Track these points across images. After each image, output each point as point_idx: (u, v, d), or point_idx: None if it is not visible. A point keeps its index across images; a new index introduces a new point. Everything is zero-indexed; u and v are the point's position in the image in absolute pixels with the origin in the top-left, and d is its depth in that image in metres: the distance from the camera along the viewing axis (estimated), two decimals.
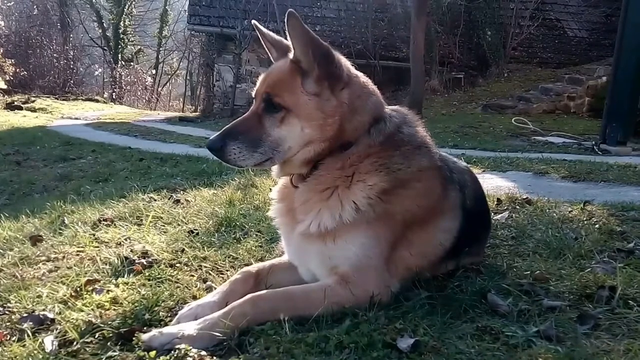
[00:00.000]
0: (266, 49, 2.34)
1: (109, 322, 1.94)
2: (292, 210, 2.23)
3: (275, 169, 2.26)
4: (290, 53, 2.13)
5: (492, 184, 4.82)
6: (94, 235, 3.13)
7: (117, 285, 2.31)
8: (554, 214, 3.49)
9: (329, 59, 2.08)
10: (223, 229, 3.30)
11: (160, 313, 2.07)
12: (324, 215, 2.09)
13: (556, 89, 16.52)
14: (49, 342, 1.82)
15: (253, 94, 2.21)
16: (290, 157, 2.12)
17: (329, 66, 2.08)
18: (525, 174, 5.72)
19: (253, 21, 2.26)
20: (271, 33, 2.34)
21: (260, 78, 2.22)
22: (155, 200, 4.16)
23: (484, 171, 5.79)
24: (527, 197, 3.98)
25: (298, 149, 2.10)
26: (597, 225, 3.16)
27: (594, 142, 9.06)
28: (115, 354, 1.75)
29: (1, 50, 24.70)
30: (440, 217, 2.27)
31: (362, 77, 2.24)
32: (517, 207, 3.77)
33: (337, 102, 2.09)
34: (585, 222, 3.29)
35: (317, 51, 2.05)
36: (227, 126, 2.14)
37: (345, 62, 2.19)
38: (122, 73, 35.86)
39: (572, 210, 3.58)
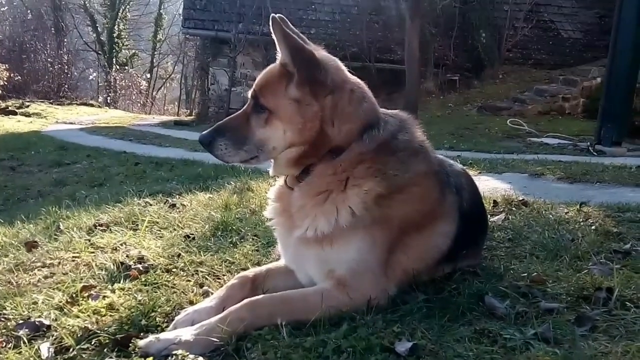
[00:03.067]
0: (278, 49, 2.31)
1: (105, 328, 1.93)
2: (288, 211, 2.23)
3: (270, 167, 2.28)
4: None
5: (488, 185, 4.83)
6: (89, 240, 3.11)
7: (113, 291, 2.30)
8: (550, 216, 3.49)
9: (311, 64, 2.07)
10: (219, 233, 3.29)
11: (157, 319, 2.06)
12: (320, 221, 2.08)
13: (551, 90, 16.60)
14: (45, 349, 1.81)
15: (249, 94, 2.23)
16: (276, 156, 2.16)
17: (312, 71, 2.07)
18: (521, 175, 5.73)
19: (276, 15, 2.23)
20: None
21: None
22: (150, 204, 4.14)
23: (479, 173, 5.80)
24: (523, 199, 3.98)
25: (282, 150, 2.13)
26: (593, 227, 3.16)
27: (589, 143, 9.09)
28: None
29: None
30: (438, 220, 2.26)
31: (356, 83, 2.22)
32: (514, 208, 3.77)
33: (318, 107, 2.08)
34: (582, 223, 3.30)
35: (299, 56, 2.06)
36: (219, 122, 2.23)
37: (337, 68, 2.18)
38: (117, 77, 35.86)
39: (568, 212, 3.59)
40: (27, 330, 1.94)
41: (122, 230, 3.34)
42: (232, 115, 2.23)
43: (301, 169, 2.17)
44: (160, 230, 3.37)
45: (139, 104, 37.52)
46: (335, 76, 2.13)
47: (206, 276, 2.57)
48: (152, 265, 2.67)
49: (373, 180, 2.10)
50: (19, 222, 3.87)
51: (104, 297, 2.23)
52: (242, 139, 2.12)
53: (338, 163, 2.12)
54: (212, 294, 2.24)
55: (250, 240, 3.16)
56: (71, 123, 19.14)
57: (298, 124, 2.07)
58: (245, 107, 2.20)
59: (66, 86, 29.98)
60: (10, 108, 20.63)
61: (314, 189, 2.14)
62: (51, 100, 25.77)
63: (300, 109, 2.07)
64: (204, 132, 2.18)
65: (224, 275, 2.61)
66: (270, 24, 2.05)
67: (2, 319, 2.06)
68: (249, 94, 2.20)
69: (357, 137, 2.13)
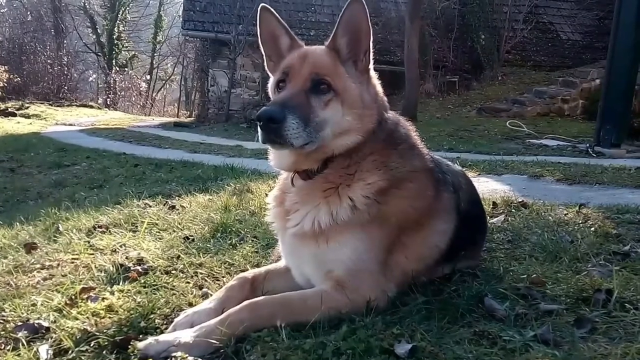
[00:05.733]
0: (276, 35, 2.25)
1: (105, 331, 1.93)
2: (288, 213, 2.21)
3: (282, 160, 2.18)
4: (327, 40, 2.14)
5: (488, 187, 4.83)
6: (88, 242, 3.11)
7: (112, 293, 2.29)
8: (550, 217, 3.49)
9: (369, 53, 2.12)
10: (219, 234, 3.29)
11: (156, 321, 2.05)
12: (321, 210, 2.07)
13: (550, 91, 16.61)
14: (44, 351, 1.81)
15: (279, 76, 2.14)
16: (324, 144, 2.05)
17: (368, 60, 2.13)
18: (520, 177, 5.74)
19: (262, 4, 2.24)
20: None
21: (296, 58, 2.14)
22: (150, 206, 4.14)
23: (479, 174, 5.80)
24: (522, 201, 3.99)
25: (332, 138, 2.05)
26: (592, 228, 3.16)
27: (588, 145, 9.08)
28: None
29: None
30: (435, 218, 2.25)
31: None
32: (513, 210, 3.78)
33: (370, 96, 2.14)
34: (581, 225, 3.30)
35: (369, 42, 2.10)
36: (278, 97, 2.03)
37: None
38: (117, 79, 35.90)
39: (567, 213, 3.59)
40: (26, 332, 1.93)
41: (122, 231, 3.34)
42: (287, 92, 2.04)
43: (322, 163, 2.12)
44: (159, 232, 3.37)
45: (138, 106, 37.58)
46: None
47: (205, 278, 2.57)
48: (151, 267, 2.67)
49: (377, 173, 2.11)
50: (18, 223, 3.87)
51: (103, 299, 2.22)
52: (307, 119, 1.94)
53: (354, 154, 2.12)
54: (211, 295, 2.23)
55: (250, 241, 3.15)
56: (71, 124, 19.15)
57: (358, 109, 2.08)
58: (297, 86, 2.04)
59: (66, 88, 30.02)
60: (9, 109, 20.65)
61: (325, 182, 2.12)
62: (51, 102, 25.78)
63: (361, 94, 2.10)
64: (267, 107, 1.92)
65: (223, 276, 2.61)
66: (351, 4, 2.01)
67: (1, 321, 2.06)
68: (304, 72, 2.05)
69: (373, 129, 2.15)
